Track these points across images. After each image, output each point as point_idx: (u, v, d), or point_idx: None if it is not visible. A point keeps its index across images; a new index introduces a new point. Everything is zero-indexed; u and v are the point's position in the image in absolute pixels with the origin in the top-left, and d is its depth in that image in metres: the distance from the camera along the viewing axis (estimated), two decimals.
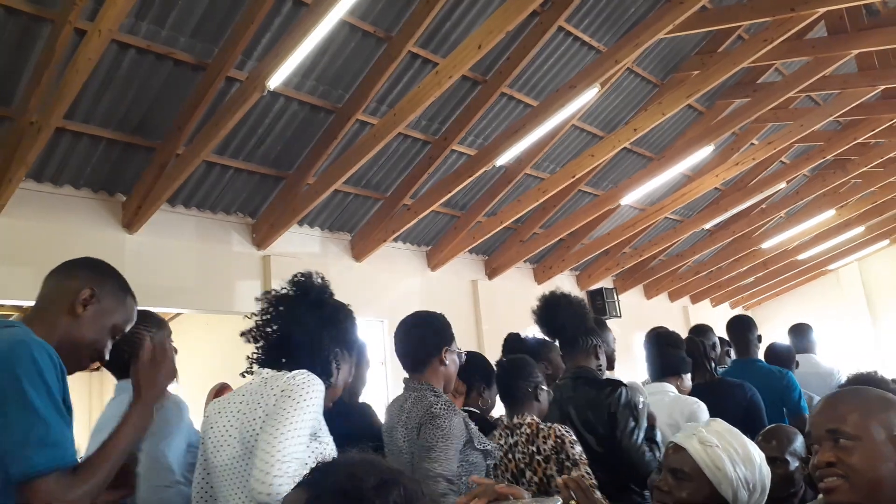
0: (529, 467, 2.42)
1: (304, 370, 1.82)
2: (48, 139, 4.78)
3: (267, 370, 1.90)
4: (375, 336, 7.23)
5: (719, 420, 1.82)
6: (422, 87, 5.48)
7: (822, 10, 5.82)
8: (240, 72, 5.17)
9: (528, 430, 2.46)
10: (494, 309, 8.41)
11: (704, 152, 7.93)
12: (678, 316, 12.17)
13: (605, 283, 10.55)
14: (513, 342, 3.38)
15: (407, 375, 2.42)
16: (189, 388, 8.24)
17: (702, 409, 3.03)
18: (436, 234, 8.19)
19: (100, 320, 1.72)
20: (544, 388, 2.59)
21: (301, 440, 1.66)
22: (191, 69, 5.09)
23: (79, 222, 5.54)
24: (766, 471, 1.72)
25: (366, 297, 7.01)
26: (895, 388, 2.13)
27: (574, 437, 2.45)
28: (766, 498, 1.73)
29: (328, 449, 1.79)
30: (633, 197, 8.31)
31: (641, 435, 2.63)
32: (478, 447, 2.17)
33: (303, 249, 6.98)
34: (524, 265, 9.48)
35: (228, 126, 5.16)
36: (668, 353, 3.30)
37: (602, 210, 8.41)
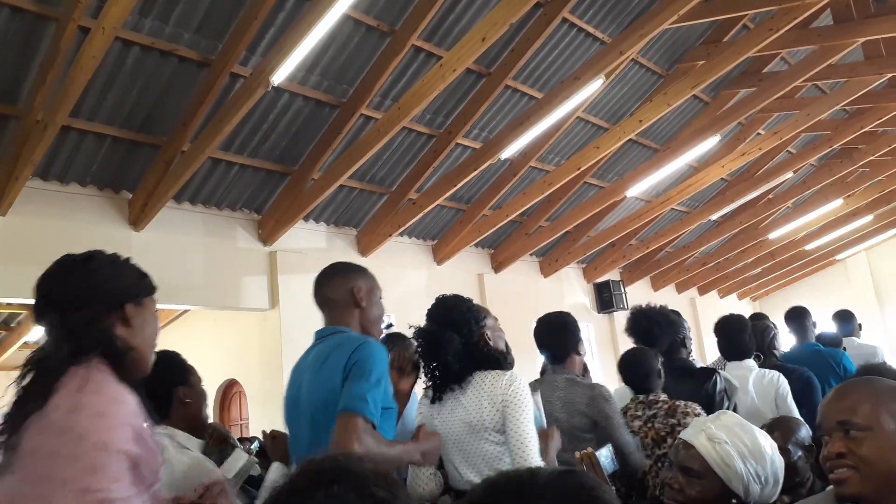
0: (671, 435, 2.73)
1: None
2: (54, 137, 4.80)
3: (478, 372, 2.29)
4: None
5: (730, 413, 1.80)
6: (426, 81, 5.47)
7: None
8: (244, 68, 5.18)
9: (666, 406, 2.84)
10: (501, 302, 8.41)
11: (710, 143, 7.89)
12: (685, 308, 12.14)
13: (612, 275, 10.53)
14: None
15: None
16: None
17: (784, 380, 3.37)
18: (441, 228, 8.19)
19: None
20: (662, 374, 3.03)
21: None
22: (195, 66, 5.10)
23: (85, 220, 5.56)
24: (780, 462, 1.71)
25: None
26: None
27: (703, 412, 2.77)
28: (780, 488, 1.72)
29: None
30: (638, 189, 8.28)
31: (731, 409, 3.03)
32: None
33: (309, 245, 6.99)
34: (530, 258, 9.47)
35: (233, 122, 5.16)
36: (741, 338, 3.67)
37: (608, 202, 8.39)
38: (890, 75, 7.07)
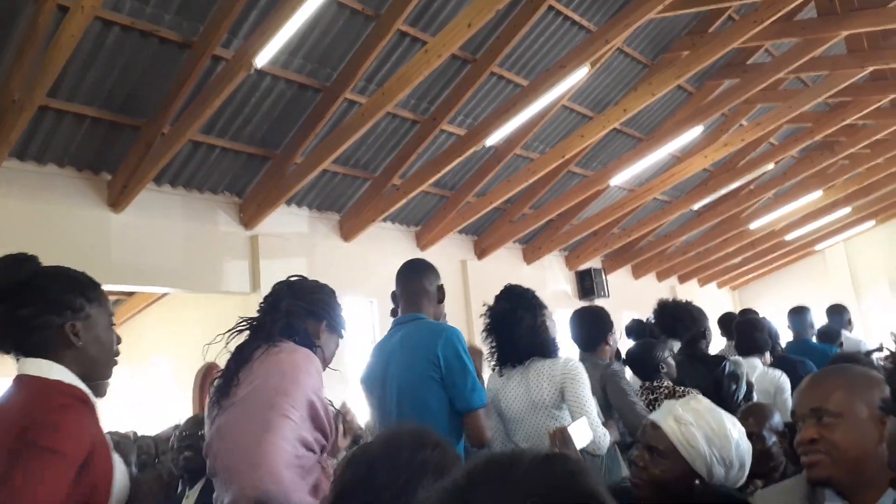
0: None
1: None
2: (31, 117, 4.72)
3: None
4: (364, 316, 7.24)
5: (700, 397, 1.84)
6: (411, 66, 5.44)
7: None
8: (226, 50, 5.11)
9: (667, 392, 3.10)
10: (484, 289, 8.39)
11: (693, 133, 7.94)
12: (665, 295, 12.21)
13: (594, 263, 10.59)
14: (639, 324, 4.40)
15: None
16: (176, 368, 8.24)
17: (785, 379, 3.67)
18: (425, 215, 8.17)
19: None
20: (670, 360, 3.32)
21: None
22: (176, 47, 5.02)
23: (64, 201, 5.49)
24: (746, 447, 1.74)
25: (355, 277, 7.00)
26: (874, 364, 2.16)
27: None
28: (746, 473, 1.75)
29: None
30: (621, 178, 8.32)
31: (741, 395, 3.30)
32: None
33: (291, 229, 6.95)
34: (513, 245, 9.49)
35: (215, 105, 5.11)
36: (754, 335, 4.02)
37: (591, 191, 8.42)
38: (872, 68, 7.14)
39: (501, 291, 2.84)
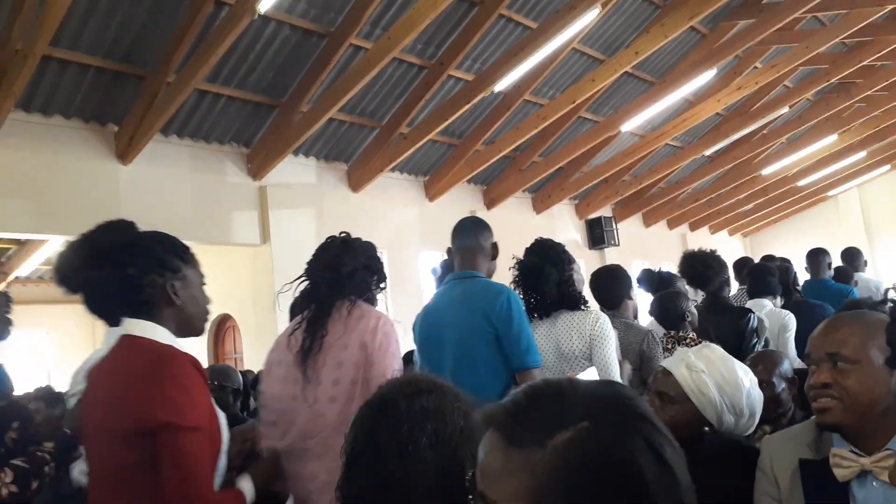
0: None
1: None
2: (35, 68, 4.66)
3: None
4: None
5: (712, 345, 1.83)
6: (417, 9, 5.31)
7: None
8: None
9: (691, 343, 3.06)
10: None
11: (707, 76, 7.77)
12: (676, 243, 12.21)
13: (604, 211, 10.54)
14: (651, 274, 4.31)
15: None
16: None
17: (791, 318, 3.70)
18: (433, 164, 8.11)
19: None
20: (693, 310, 3.41)
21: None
22: None
23: (71, 153, 5.47)
24: (757, 395, 1.75)
25: (364, 227, 6.93)
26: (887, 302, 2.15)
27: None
28: (756, 421, 1.76)
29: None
30: (633, 123, 8.19)
31: (760, 346, 3.37)
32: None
33: (299, 180, 6.93)
34: (523, 194, 9.44)
35: (219, 52, 5.03)
36: (766, 279, 4.10)
37: (602, 137, 8.31)
38: (891, 7, 6.92)
39: (531, 245, 2.90)
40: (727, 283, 3.84)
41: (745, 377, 1.73)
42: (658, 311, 3.46)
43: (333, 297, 1.97)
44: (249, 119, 6.34)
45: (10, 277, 8.87)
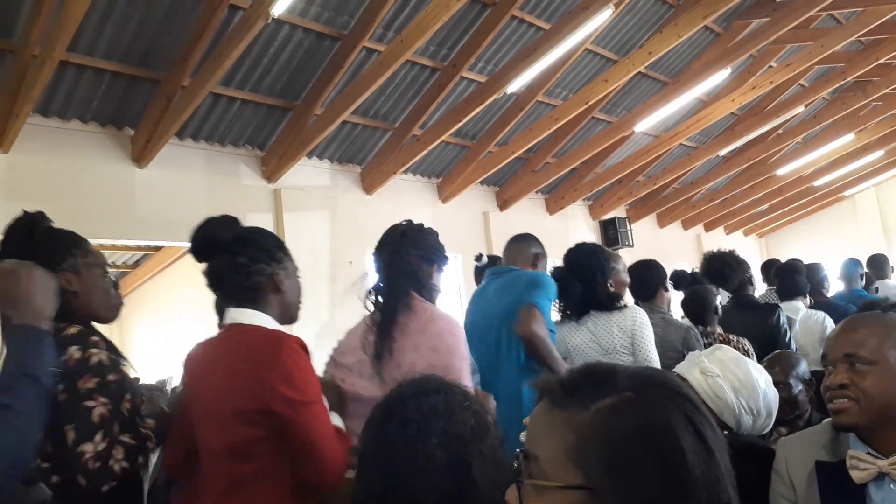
0: None
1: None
2: (52, 73, 4.72)
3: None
4: None
5: (725, 348, 1.82)
6: (429, 11, 5.32)
7: None
8: None
9: (720, 339, 3.31)
10: (506, 241, 8.41)
11: (721, 76, 7.72)
12: (691, 244, 12.14)
13: (618, 212, 10.49)
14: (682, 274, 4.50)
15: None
16: (204, 321, 8.40)
17: (828, 319, 3.83)
18: (446, 166, 8.12)
19: None
20: (720, 307, 3.59)
21: None
22: None
23: (88, 157, 5.53)
24: (773, 395, 1.74)
25: (377, 229, 6.97)
26: None
27: (751, 347, 3.24)
28: (773, 420, 1.75)
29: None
30: (647, 123, 8.16)
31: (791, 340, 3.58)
32: None
33: (313, 182, 6.96)
34: (536, 196, 9.42)
35: (233, 56, 5.06)
36: (795, 279, 4.24)
37: (615, 137, 8.28)
38: None
39: (566, 253, 3.16)
40: (749, 282, 3.95)
41: (760, 377, 1.72)
42: (690, 305, 3.60)
43: (399, 296, 2.05)
44: (264, 122, 6.38)
45: None
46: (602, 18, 6.11)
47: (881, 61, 8.04)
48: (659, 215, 11.57)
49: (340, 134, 6.85)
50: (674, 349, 3.12)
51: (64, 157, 5.37)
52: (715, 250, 4.12)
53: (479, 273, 3.63)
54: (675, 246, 11.46)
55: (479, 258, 3.59)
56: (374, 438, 1.21)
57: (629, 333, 2.88)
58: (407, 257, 2.12)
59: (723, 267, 3.88)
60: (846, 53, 8.26)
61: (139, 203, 5.73)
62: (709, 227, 12.69)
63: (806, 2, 6.79)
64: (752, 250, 13.33)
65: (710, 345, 3.25)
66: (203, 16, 5.01)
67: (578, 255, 3.08)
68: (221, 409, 1.62)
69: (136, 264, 10.04)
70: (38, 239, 1.75)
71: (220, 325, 2.00)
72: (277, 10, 4.76)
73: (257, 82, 5.90)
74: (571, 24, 6.05)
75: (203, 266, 1.76)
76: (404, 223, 2.25)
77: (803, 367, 2.34)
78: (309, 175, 6.92)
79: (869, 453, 1.36)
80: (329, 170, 7.19)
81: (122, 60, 5.19)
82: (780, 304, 3.99)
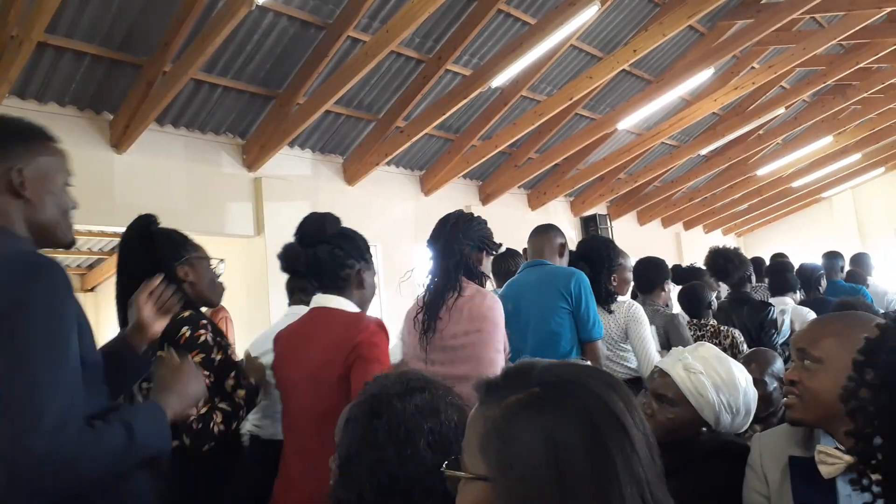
0: None
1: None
2: (30, 54, 4.63)
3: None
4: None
5: (707, 345, 1.83)
6: (415, 2, 5.29)
7: None
8: None
9: (712, 329, 3.52)
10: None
11: (704, 76, 7.78)
12: (671, 242, 12.24)
13: (599, 209, 10.54)
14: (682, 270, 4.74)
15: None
16: None
17: (812, 315, 3.94)
18: (429, 158, 8.10)
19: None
20: (715, 301, 3.86)
21: None
22: None
23: (66, 141, 5.31)
24: (753, 394, 1.75)
25: (358, 221, 6.90)
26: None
27: (742, 338, 3.47)
28: (751, 418, 1.77)
29: None
30: (629, 121, 8.19)
31: (778, 340, 3.78)
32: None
33: (294, 172, 6.91)
34: (518, 191, 9.44)
35: (216, 43, 5.00)
36: (786, 276, 4.46)
37: (598, 134, 8.31)
38: (889, 9, 6.93)
39: (582, 241, 3.52)
40: (748, 279, 4.21)
41: (741, 376, 1.73)
42: (684, 300, 3.86)
43: (450, 280, 2.31)
44: (245, 110, 6.31)
45: None
46: (588, 15, 6.12)
47: (861, 65, 8.14)
48: (639, 213, 11.65)
49: (323, 124, 6.80)
50: (659, 334, 3.45)
51: None
52: (720, 246, 4.42)
53: (498, 262, 3.85)
54: (654, 244, 11.53)
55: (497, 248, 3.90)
56: (361, 438, 1.19)
57: (622, 325, 3.14)
58: (458, 247, 2.34)
59: (726, 263, 4.15)
60: (827, 56, 8.36)
61: (117, 189, 5.65)
62: (688, 226, 12.81)
63: (789, 4, 6.86)
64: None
65: (703, 336, 3.51)
66: (186, 1, 4.94)
67: (594, 245, 3.37)
68: (322, 376, 1.88)
69: (112, 251, 9.92)
70: (156, 239, 2.03)
71: (296, 304, 2.61)
72: None
73: (240, 69, 5.83)
74: (557, 19, 6.05)
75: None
76: (455, 214, 2.46)
77: (779, 365, 2.37)
78: (290, 165, 6.87)
79: (837, 448, 1.38)
80: (311, 160, 7.14)
81: (103, 44, 5.10)
82: (771, 300, 4.25)
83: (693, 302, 3.80)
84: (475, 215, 2.51)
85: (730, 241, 13.94)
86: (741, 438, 1.82)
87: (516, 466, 0.75)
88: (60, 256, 9.72)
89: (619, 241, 10.90)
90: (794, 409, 1.43)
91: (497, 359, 2.29)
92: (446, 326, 2.27)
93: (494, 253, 2.53)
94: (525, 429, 0.77)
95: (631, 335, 3.11)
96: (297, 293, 2.83)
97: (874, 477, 0.98)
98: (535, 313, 2.89)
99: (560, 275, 2.93)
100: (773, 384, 2.28)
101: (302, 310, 2.26)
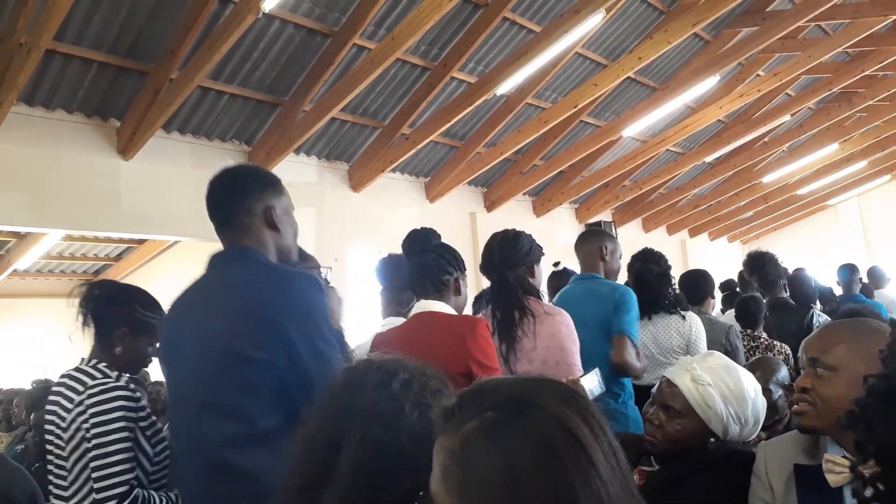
0: None
1: None
2: (38, 62, 4.66)
3: None
4: (373, 266, 7.26)
5: (717, 354, 1.81)
6: (421, 10, 5.31)
7: None
8: None
9: (765, 343, 3.70)
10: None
11: (709, 83, 7.78)
12: (676, 250, 12.21)
13: (604, 216, 10.54)
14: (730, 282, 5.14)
15: None
16: None
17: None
18: (434, 165, 8.11)
19: None
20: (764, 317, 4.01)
21: None
22: None
23: (73, 147, 5.47)
24: (762, 403, 1.74)
25: (363, 227, 7.00)
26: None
27: (791, 353, 3.57)
28: (759, 428, 1.75)
29: None
30: (634, 129, 8.20)
31: None
32: None
33: (300, 179, 6.92)
34: (523, 197, 9.44)
35: (223, 50, 5.03)
36: (806, 289, 4.58)
37: (603, 142, 8.31)
38: (895, 17, 6.92)
39: (639, 253, 3.81)
40: (783, 287, 4.47)
41: (750, 386, 1.71)
42: (741, 312, 3.99)
43: (514, 307, 2.46)
44: (251, 117, 6.34)
45: (9, 270, 8.86)
46: (593, 23, 6.13)
47: (867, 73, 8.14)
48: (644, 220, 11.63)
49: (329, 131, 6.82)
50: (718, 344, 3.54)
51: (48, 148, 5.31)
52: (758, 249, 4.78)
53: (553, 278, 4.05)
54: (659, 251, 11.52)
55: (556, 264, 4.13)
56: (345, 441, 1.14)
57: (686, 337, 3.34)
58: (512, 276, 2.51)
59: (765, 264, 4.49)
60: (833, 64, 8.35)
61: (124, 195, 5.67)
62: (693, 233, 12.78)
63: (794, 12, 6.86)
64: (736, 257, 13.42)
65: (757, 348, 3.69)
66: (193, 8, 4.97)
67: (655, 259, 3.70)
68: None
69: (119, 257, 9.95)
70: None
71: (397, 313, 2.79)
72: (268, 5, 4.73)
73: (246, 77, 5.86)
74: (562, 27, 6.06)
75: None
76: (498, 241, 2.62)
77: (783, 373, 2.36)
78: (296, 171, 6.89)
79: (845, 457, 1.37)
80: (316, 166, 7.16)
81: (110, 51, 5.13)
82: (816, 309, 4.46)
83: (750, 312, 3.92)
84: (519, 235, 2.63)
85: (735, 249, 13.94)
86: (747, 447, 1.81)
87: (475, 496, 0.75)
88: (66, 262, 9.77)
89: (624, 248, 10.90)
90: (806, 417, 1.42)
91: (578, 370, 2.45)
92: (526, 349, 2.42)
93: (543, 254, 2.68)
94: (481, 456, 0.76)
95: (692, 350, 3.27)
96: (393, 305, 3.04)
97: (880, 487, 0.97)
98: (586, 321, 2.91)
99: (607, 288, 3.02)
100: (778, 392, 2.27)
101: (399, 321, 2.50)
